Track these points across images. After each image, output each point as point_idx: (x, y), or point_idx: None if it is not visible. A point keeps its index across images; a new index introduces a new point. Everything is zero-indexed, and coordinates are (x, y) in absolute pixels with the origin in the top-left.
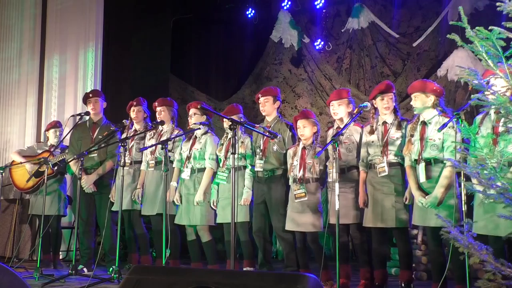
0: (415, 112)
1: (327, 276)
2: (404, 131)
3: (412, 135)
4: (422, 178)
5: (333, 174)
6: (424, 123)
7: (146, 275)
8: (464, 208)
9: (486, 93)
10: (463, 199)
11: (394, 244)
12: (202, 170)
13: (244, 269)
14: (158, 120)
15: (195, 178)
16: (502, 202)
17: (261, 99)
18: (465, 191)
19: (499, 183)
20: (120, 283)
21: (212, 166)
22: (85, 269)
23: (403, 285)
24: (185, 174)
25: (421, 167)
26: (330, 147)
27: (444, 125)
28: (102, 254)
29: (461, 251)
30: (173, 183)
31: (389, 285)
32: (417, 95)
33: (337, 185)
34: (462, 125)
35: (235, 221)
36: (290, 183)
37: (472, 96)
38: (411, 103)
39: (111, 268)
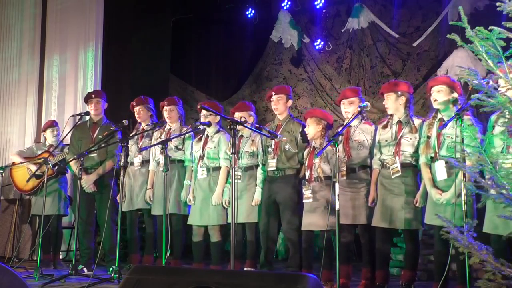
0: (438, 107)
1: (328, 276)
2: (419, 131)
3: (429, 134)
4: (439, 176)
5: (335, 174)
6: (443, 121)
7: (146, 275)
8: (464, 208)
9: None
10: (463, 199)
11: (395, 244)
12: (216, 169)
13: (245, 269)
14: (167, 120)
15: (210, 177)
16: (502, 202)
17: (274, 97)
18: (465, 191)
19: (499, 183)
20: (120, 283)
21: (228, 164)
22: (85, 269)
23: (403, 284)
24: (200, 174)
25: (438, 165)
26: (340, 147)
27: (444, 125)
28: (102, 254)
29: (461, 251)
30: (187, 182)
31: (389, 285)
32: (441, 89)
33: (337, 185)
34: (462, 125)
35: (241, 221)
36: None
37: (472, 96)
38: (431, 97)
39: (111, 268)
